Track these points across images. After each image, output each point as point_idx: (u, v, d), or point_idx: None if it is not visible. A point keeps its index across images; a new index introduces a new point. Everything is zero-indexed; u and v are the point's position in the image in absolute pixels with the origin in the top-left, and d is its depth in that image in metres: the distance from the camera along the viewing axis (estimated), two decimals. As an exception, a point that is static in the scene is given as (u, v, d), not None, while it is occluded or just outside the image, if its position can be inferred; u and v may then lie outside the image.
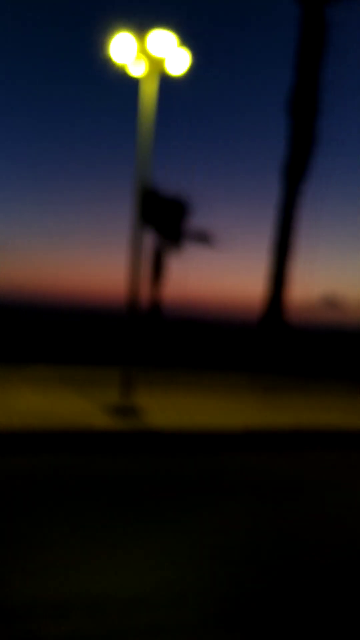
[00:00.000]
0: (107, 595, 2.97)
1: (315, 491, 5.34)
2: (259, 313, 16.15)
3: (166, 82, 7.52)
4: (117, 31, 7.18)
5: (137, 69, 7.42)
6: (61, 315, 31.60)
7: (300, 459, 6.65)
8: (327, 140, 18.80)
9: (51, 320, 26.75)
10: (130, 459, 6.10)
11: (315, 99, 15.96)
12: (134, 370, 7.61)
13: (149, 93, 7.42)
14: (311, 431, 7.50)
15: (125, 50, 7.18)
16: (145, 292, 24.18)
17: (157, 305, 24.23)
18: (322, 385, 12.89)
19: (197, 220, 23.98)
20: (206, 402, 8.94)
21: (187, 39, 7.12)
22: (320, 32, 15.96)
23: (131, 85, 7.72)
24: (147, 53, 7.24)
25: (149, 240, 24.20)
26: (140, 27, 7.20)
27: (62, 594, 2.94)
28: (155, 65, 7.37)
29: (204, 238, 23.61)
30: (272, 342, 15.71)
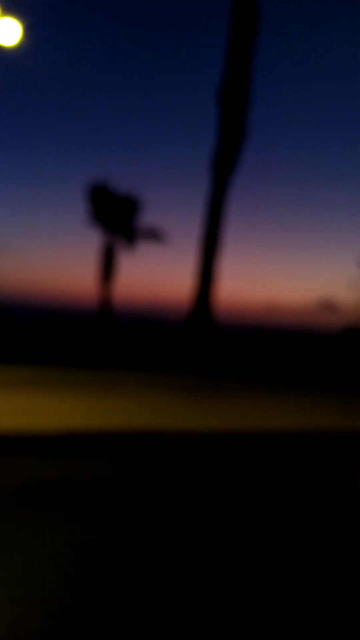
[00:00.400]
0: None
1: (96, 504, 4.70)
2: (186, 311, 15.57)
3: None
4: None
5: None
6: None
7: (113, 464, 6.03)
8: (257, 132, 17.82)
9: None
10: None
11: (245, 89, 15.41)
12: None
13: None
14: (148, 434, 6.87)
15: None
16: (96, 291, 23.62)
17: (109, 305, 23.65)
18: (239, 387, 12.24)
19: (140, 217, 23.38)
20: (65, 402, 8.32)
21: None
22: (252, 20, 15.41)
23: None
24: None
25: (99, 238, 23.65)
26: None
27: None
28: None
29: (154, 235, 23.04)
30: (197, 341, 15.11)
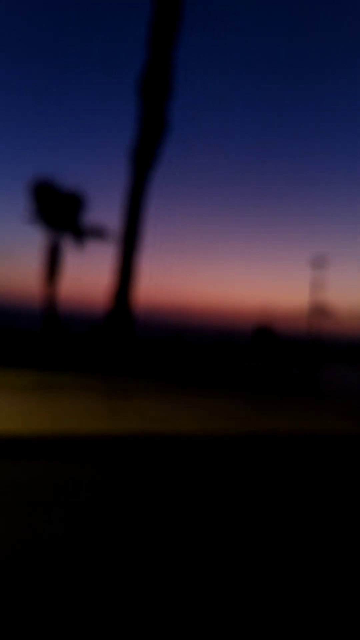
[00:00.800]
0: None
1: None
2: (105, 309, 14.92)
3: None
4: None
5: None
6: None
7: None
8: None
9: None
10: None
11: (167, 81, 14.81)
12: None
13: None
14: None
15: None
16: (40, 290, 22.97)
17: (53, 304, 22.98)
18: (149, 389, 11.56)
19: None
20: None
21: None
22: (175, 8, 14.83)
23: None
24: None
25: (44, 236, 23.00)
26: None
27: None
28: None
29: (98, 233, 22.39)
30: (114, 340, 14.46)
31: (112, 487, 4.65)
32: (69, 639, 2.32)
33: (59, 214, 22.84)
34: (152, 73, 14.67)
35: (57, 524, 3.65)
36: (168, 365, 14.94)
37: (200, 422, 7.46)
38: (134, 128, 14.72)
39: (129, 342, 14.53)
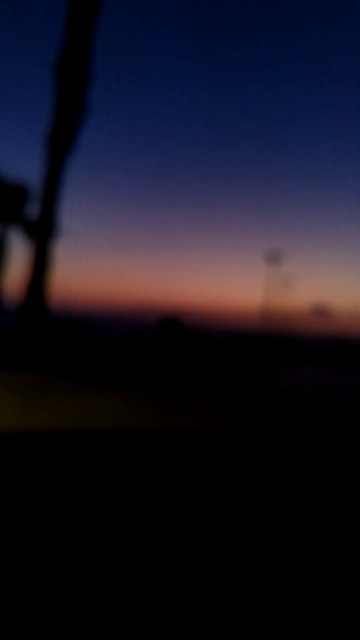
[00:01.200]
0: None
1: None
2: (18, 302, 14.26)
3: None
4: None
5: None
6: None
7: None
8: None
9: None
10: None
11: (85, 63, 14.15)
12: None
13: None
14: None
15: None
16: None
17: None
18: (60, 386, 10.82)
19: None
20: None
21: None
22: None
23: None
24: None
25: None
26: None
27: None
28: None
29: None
30: (26, 334, 13.80)
31: None
32: None
33: (3, 206, 22.20)
34: (69, 54, 14.01)
35: None
36: (89, 361, 14.24)
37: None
38: (50, 112, 14.07)
39: (42, 337, 13.87)
